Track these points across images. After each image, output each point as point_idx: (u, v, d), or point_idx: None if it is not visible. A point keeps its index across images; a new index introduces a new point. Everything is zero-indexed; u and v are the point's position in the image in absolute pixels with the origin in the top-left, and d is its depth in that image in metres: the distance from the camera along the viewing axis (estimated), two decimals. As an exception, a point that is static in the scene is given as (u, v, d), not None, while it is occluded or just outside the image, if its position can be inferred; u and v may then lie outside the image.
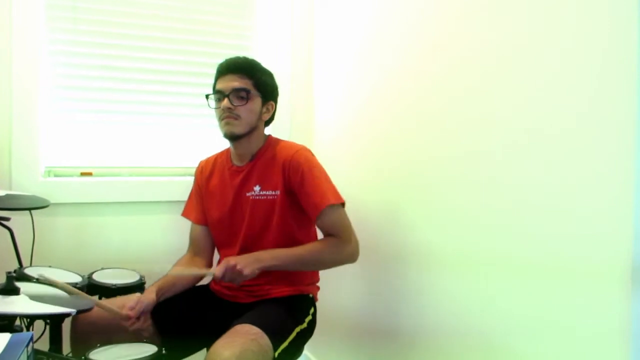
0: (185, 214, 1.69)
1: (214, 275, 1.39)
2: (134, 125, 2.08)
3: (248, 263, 1.35)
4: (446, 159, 1.35)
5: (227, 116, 1.48)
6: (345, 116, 1.97)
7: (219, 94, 1.50)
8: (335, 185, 1.52)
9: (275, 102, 1.59)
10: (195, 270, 1.43)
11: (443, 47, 1.36)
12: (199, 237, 1.65)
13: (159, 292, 1.43)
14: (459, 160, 1.30)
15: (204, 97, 1.55)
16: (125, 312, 1.34)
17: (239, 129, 1.49)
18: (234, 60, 1.53)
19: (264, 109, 1.55)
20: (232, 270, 1.33)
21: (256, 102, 1.52)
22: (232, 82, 1.49)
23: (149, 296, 1.40)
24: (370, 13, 1.76)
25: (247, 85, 1.49)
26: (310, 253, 1.46)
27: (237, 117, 1.48)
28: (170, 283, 1.48)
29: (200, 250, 1.64)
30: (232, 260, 1.35)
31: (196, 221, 1.66)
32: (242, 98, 1.48)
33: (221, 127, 1.51)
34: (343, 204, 1.50)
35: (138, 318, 1.35)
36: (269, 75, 1.57)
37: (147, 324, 1.38)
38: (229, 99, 1.47)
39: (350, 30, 1.92)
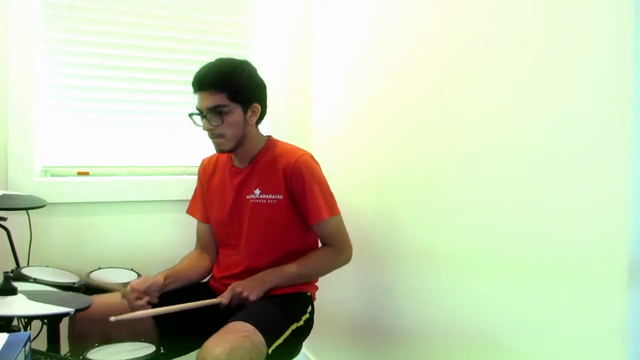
0: (190, 211, 1.71)
1: (221, 303, 1.40)
2: (131, 125, 2.07)
3: (253, 288, 1.41)
4: (444, 159, 1.35)
5: (212, 136, 1.47)
6: (343, 115, 1.97)
7: (199, 113, 1.47)
8: (333, 194, 1.54)
9: (260, 100, 1.52)
10: (202, 302, 1.41)
11: (442, 47, 1.36)
12: (204, 235, 1.68)
13: (167, 278, 1.46)
14: (457, 160, 1.30)
15: (188, 115, 1.50)
16: (129, 287, 1.38)
17: (227, 145, 1.48)
18: (202, 75, 1.44)
19: (249, 114, 1.49)
20: (238, 297, 1.39)
21: (236, 113, 1.45)
22: (206, 101, 1.43)
23: (157, 277, 1.44)
24: (369, 12, 1.76)
25: (221, 101, 1.42)
26: (310, 267, 1.52)
27: (221, 135, 1.46)
28: (178, 272, 1.53)
29: (207, 247, 1.67)
30: (237, 287, 1.41)
31: (201, 219, 1.68)
32: (218, 115, 1.43)
33: (213, 145, 1.51)
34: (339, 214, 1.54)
35: (147, 293, 1.38)
36: (245, 76, 1.47)
37: (153, 302, 1.40)
38: (207, 120, 1.44)
39: (348, 29, 1.92)
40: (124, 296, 1.38)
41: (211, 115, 1.44)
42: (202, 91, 1.44)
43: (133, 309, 1.35)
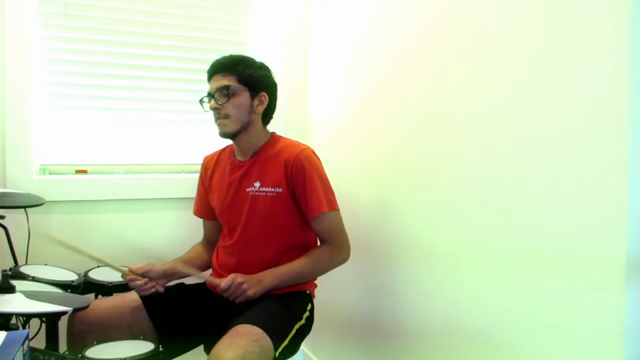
0: (195, 212, 1.75)
1: (219, 285, 1.40)
2: (129, 122, 2.07)
3: (253, 284, 1.42)
4: (443, 156, 1.35)
5: (217, 117, 1.51)
6: (341, 112, 1.97)
7: (209, 97, 1.52)
8: (333, 189, 1.54)
9: (269, 92, 1.56)
10: (205, 275, 1.48)
11: (439, 44, 1.36)
12: (208, 230, 1.74)
13: (169, 269, 1.52)
14: (456, 158, 1.30)
15: (199, 101, 1.56)
16: (128, 268, 1.45)
17: (230, 127, 1.50)
18: (217, 61, 1.53)
19: (256, 102, 1.53)
20: (237, 287, 1.39)
21: (243, 96, 1.51)
22: (216, 83, 1.51)
23: (159, 266, 1.50)
24: (366, 8, 1.76)
25: (230, 82, 1.49)
26: (308, 267, 1.51)
27: (226, 116, 1.49)
28: (185, 261, 1.61)
29: (212, 240, 1.72)
30: (240, 277, 1.41)
31: (206, 218, 1.72)
32: (225, 95, 1.49)
33: (217, 128, 1.53)
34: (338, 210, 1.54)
35: (146, 277, 1.45)
36: (256, 67, 1.55)
37: (150, 285, 1.45)
38: (215, 99, 1.49)
39: (345, 26, 1.92)
40: (124, 277, 1.48)
41: (219, 95, 1.49)
42: (216, 74, 1.52)
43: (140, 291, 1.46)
